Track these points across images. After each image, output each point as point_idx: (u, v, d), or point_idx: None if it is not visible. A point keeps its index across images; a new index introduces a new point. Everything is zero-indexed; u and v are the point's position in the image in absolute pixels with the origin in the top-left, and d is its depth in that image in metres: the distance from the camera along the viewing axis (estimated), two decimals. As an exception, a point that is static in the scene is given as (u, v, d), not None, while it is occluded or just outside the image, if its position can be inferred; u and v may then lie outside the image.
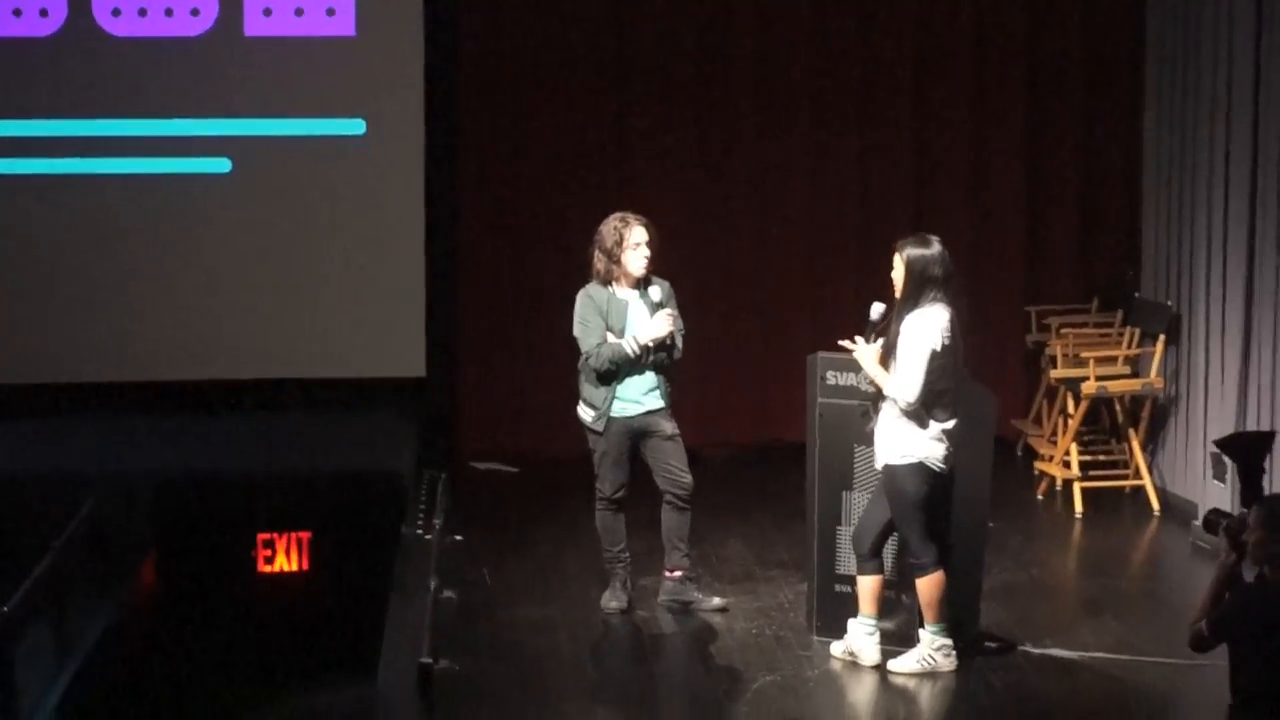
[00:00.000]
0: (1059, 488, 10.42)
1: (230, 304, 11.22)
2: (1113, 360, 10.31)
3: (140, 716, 8.96)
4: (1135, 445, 10.32)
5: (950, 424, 7.34)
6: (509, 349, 11.45)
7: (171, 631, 9.81)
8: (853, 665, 7.61)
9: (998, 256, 11.51)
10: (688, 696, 7.55)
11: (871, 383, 7.45)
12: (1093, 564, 9.47)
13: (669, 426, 8.21)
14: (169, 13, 11.12)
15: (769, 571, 9.00)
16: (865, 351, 7.43)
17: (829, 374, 7.88)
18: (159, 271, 11.20)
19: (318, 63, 11.21)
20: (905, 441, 7.32)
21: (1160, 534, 9.95)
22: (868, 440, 7.54)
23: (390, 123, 11.21)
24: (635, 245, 8.12)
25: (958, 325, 7.37)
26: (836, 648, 7.71)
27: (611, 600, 8.37)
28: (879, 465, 7.44)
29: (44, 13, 11.07)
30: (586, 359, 8.16)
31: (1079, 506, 10.09)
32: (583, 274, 8.28)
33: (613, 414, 8.15)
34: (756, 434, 11.52)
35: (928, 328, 7.28)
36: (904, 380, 7.27)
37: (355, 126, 11.26)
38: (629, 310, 8.15)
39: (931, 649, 7.47)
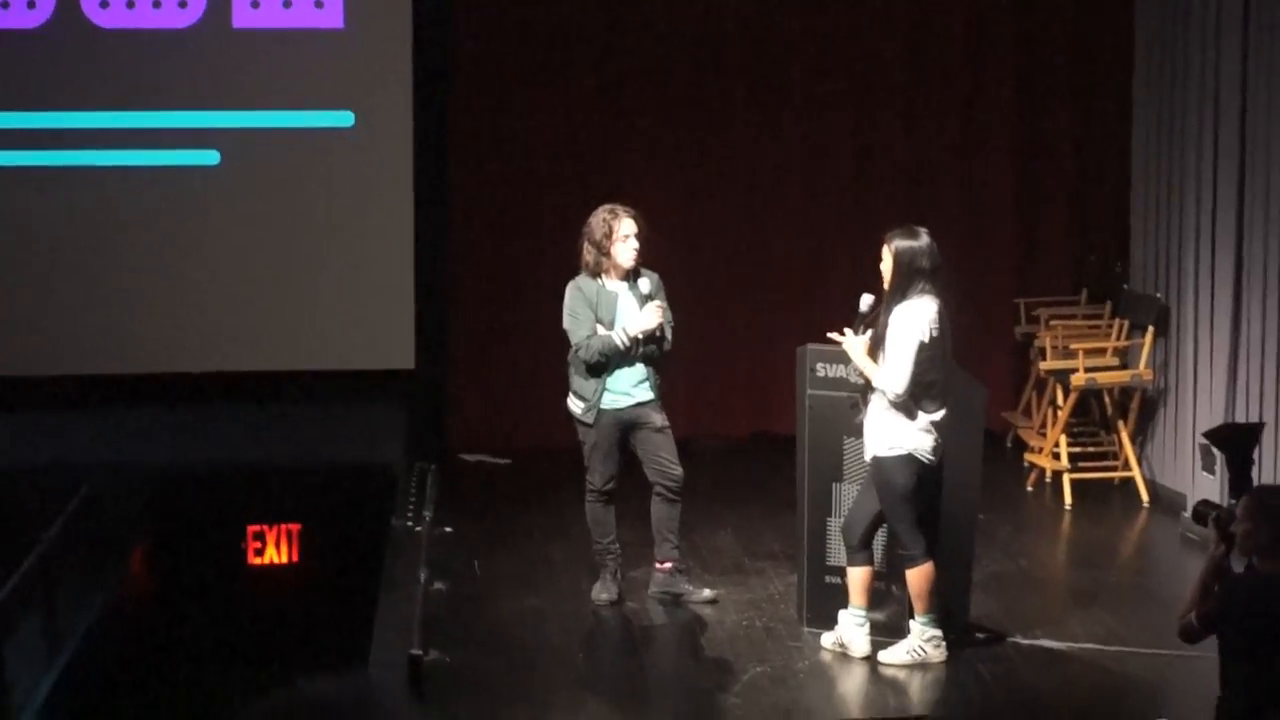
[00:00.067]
0: (1048, 479, 10.44)
1: (220, 296, 11.20)
2: (1102, 352, 10.32)
3: (130, 708, 8.96)
4: (1124, 437, 10.33)
5: (938, 415, 7.35)
6: (498, 341, 11.45)
7: (162, 624, 9.81)
8: (843, 656, 7.62)
9: (987, 249, 11.53)
10: (678, 688, 7.55)
11: (860, 374, 7.46)
12: (1082, 555, 9.49)
13: (659, 418, 8.21)
14: (156, 4, 11.10)
15: (759, 563, 9.00)
16: (854, 343, 7.44)
17: (819, 366, 7.89)
18: (148, 264, 11.18)
19: (306, 55, 11.20)
20: (894, 433, 7.33)
21: (1149, 525, 9.96)
22: (857, 432, 7.55)
23: (379, 115, 11.20)
24: (624, 237, 8.12)
25: (946, 317, 7.38)
26: (827, 639, 7.72)
27: (602, 592, 8.37)
28: (868, 457, 7.45)
29: (31, 4, 11.04)
30: (576, 351, 8.16)
31: (1068, 498, 10.11)
32: (572, 266, 8.27)
33: (602, 406, 8.15)
34: (746, 425, 11.53)
35: (916, 319, 7.29)
36: (892, 372, 7.27)
37: (344, 119, 11.24)
38: (618, 302, 8.15)
39: (921, 640, 7.48)
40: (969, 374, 8.04)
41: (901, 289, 7.33)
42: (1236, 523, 5.78)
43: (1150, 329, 10.21)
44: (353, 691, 7.60)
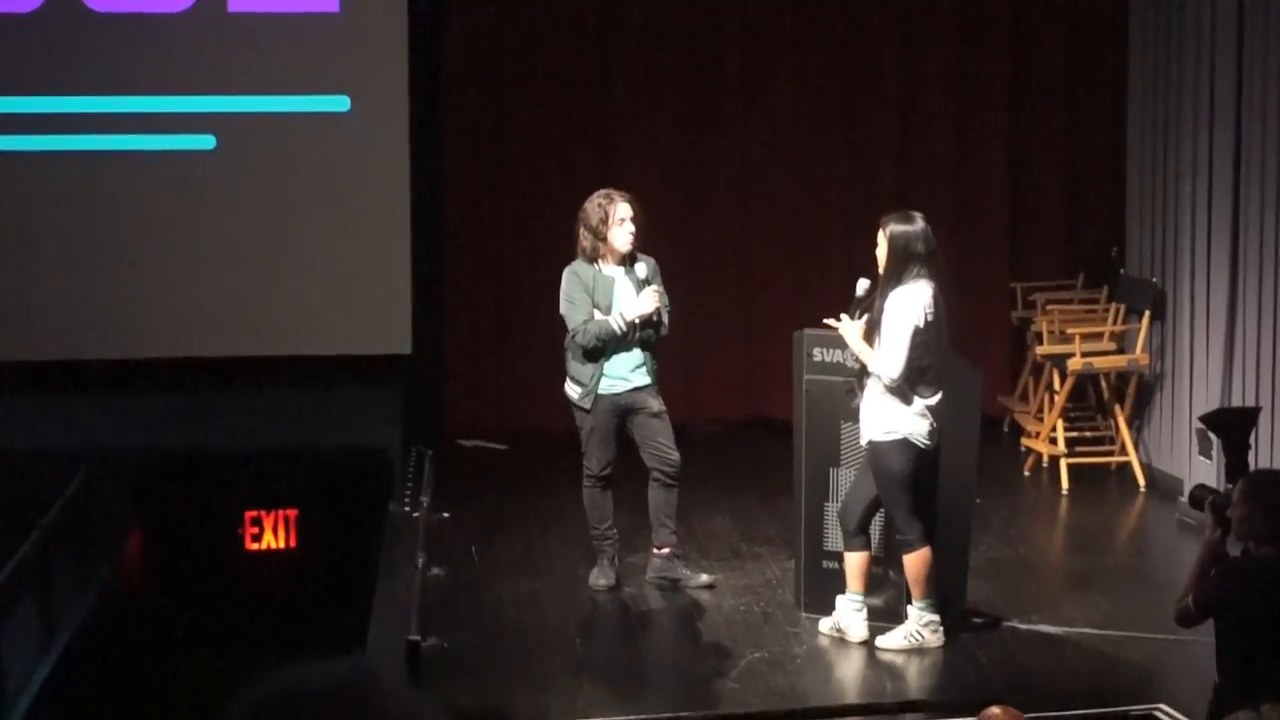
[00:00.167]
0: (1045, 464, 10.44)
1: (216, 281, 11.18)
2: (1098, 337, 10.32)
3: (127, 693, 8.96)
4: (1121, 421, 10.33)
5: (934, 400, 7.35)
6: (495, 326, 11.44)
7: (159, 609, 9.81)
8: (840, 641, 7.63)
9: (983, 233, 11.52)
10: (675, 673, 7.55)
11: (857, 359, 7.46)
12: (1079, 540, 9.49)
13: (656, 404, 8.21)
14: (151, -12, 11.08)
15: (756, 548, 9.00)
16: (850, 328, 7.43)
17: (816, 351, 7.88)
18: (144, 248, 11.16)
19: (302, 39, 11.17)
20: (890, 418, 7.32)
21: (1146, 510, 9.97)
22: (853, 417, 7.54)
23: (375, 99, 11.18)
24: (620, 221, 8.11)
25: (941, 301, 7.38)
26: (824, 624, 7.72)
27: (599, 577, 8.37)
28: (864, 442, 7.45)
29: (25, -12, 11.02)
30: (573, 336, 8.15)
31: (1065, 483, 10.11)
32: (569, 251, 8.27)
33: (600, 391, 8.15)
34: (743, 411, 11.53)
35: (911, 304, 7.28)
36: (888, 356, 7.27)
37: (340, 103, 11.22)
38: (615, 287, 8.14)
39: (919, 625, 7.49)
40: (965, 359, 8.05)
41: (897, 274, 7.32)
42: (1233, 507, 5.78)
43: (1147, 313, 10.21)
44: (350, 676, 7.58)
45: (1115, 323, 10.42)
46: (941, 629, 7.53)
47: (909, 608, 7.53)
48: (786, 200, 11.52)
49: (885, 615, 7.66)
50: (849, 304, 7.54)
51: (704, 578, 8.42)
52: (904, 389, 7.30)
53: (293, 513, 10.05)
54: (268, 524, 10.03)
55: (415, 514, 9.08)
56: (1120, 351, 10.35)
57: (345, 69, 11.17)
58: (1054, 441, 10.29)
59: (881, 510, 7.55)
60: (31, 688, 7.78)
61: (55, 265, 11.12)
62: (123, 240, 11.16)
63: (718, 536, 9.22)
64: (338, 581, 9.55)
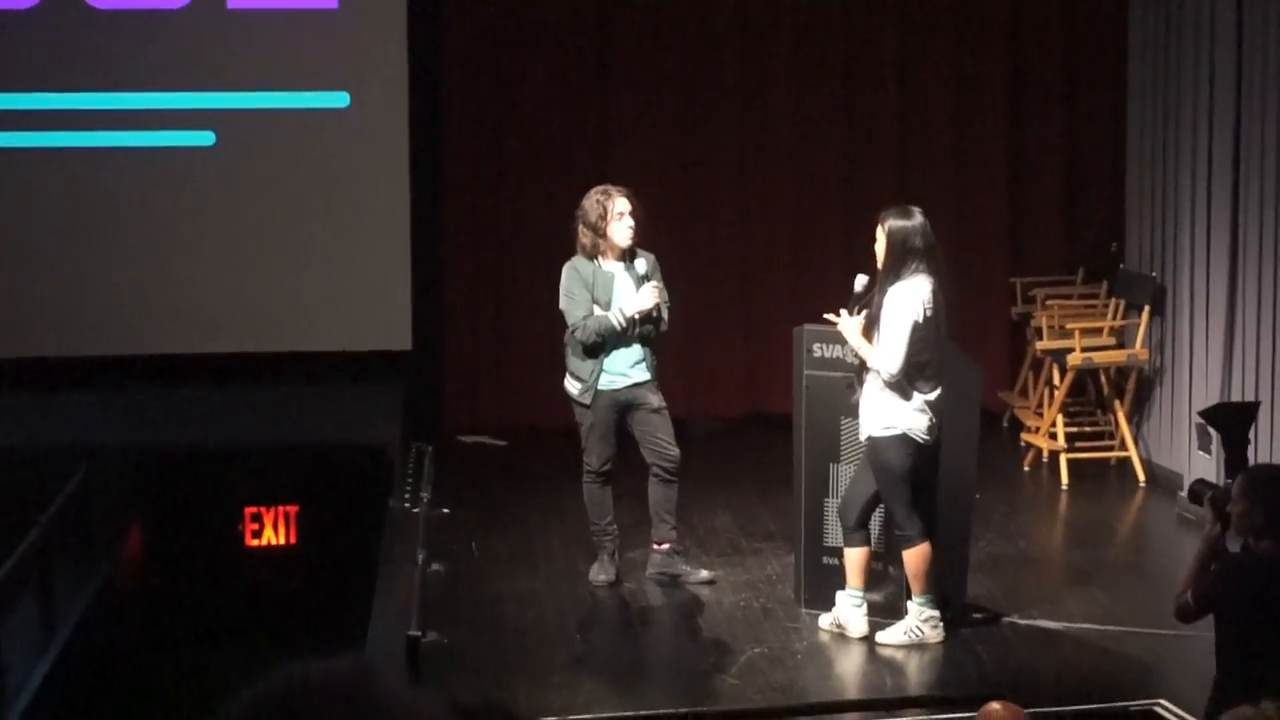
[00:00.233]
0: (1045, 459, 10.44)
1: (216, 277, 11.18)
2: (1098, 332, 10.32)
3: (128, 689, 8.96)
4: (1121, 417, 10.34)
5: (933, 395, 7.35)
6: (495, 322, 11.44)
7: (159, 605, 9.81)
8: (840, 637, 7.63)
9: (982, 228, 11.51)
10: (675, 669, 7.56)
11: (856, 355, 7.46)
12: (1079, 535, 9.49)
13: (655, 399, 8.21)
14: (151, -15, 11.07)
15: (756, 544, 9.00)
16: (849, 324, 7.43)
17: (816, 346, 7.88)
18: (143, 245, 11.16)
19: (301, 35, 11.16)
20: (888, 413, 7.32)
21: (1146, 505, 9.97)
22: (853, 412, 7.55)
23: (374, 96, 11.17)
24: (619, 215, 8.10)
25: (940, 296, 7.38)
26: (824, 620, 7.73)
27: (599, 573, 8.37)
28: (863, 437, 7.45)
29: (25, -15, 11.02)
30: (573, 332, 8.15)
31: (1065, 478, 10.11)
32: (568, 247, 8.26)
33: (599, 387, 8.15)
34: (743, 406, 11.53)
35: (909, 299, 7.28)
36: (886, 352, 7.27)
37: (339, 99, 11.22)
38: (615, 283, 8.14)
39: (919, 620, 7.49)
40: (965, 354, 8.05)
41: (895, 269, 7.33)
42: (1232, 502, 5.78)
43: (1146, 309, 10.21)
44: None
45: (1115, 318, 10.43)
46: (941, 624, 7.53)
47: (909, 603, 7.53)
48: (786, 196, 11.52)
49: (885, 611, 7.67)
50: (847, 299, 7.54)
51: (704, 573, 8.42)
52: (903, 384, 7.30)
53: (293, 509, 10.05)
54: (268, 520, 10.03)
55: (415, 510, 9.08)
56: (1120, 347, 10.35)
57: (345, 65, 11.17)
58: (1054, 437, 10.29)
59: (881, 506, 7.55)
60: (31, 684, 7.78)
61: (55, 262, 11.12)
62: (122, 237, 11.16)
63: (718, 532, 9.22)
64: (338, 577, 9.56)
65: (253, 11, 11.11)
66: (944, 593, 7.63)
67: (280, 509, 10.02)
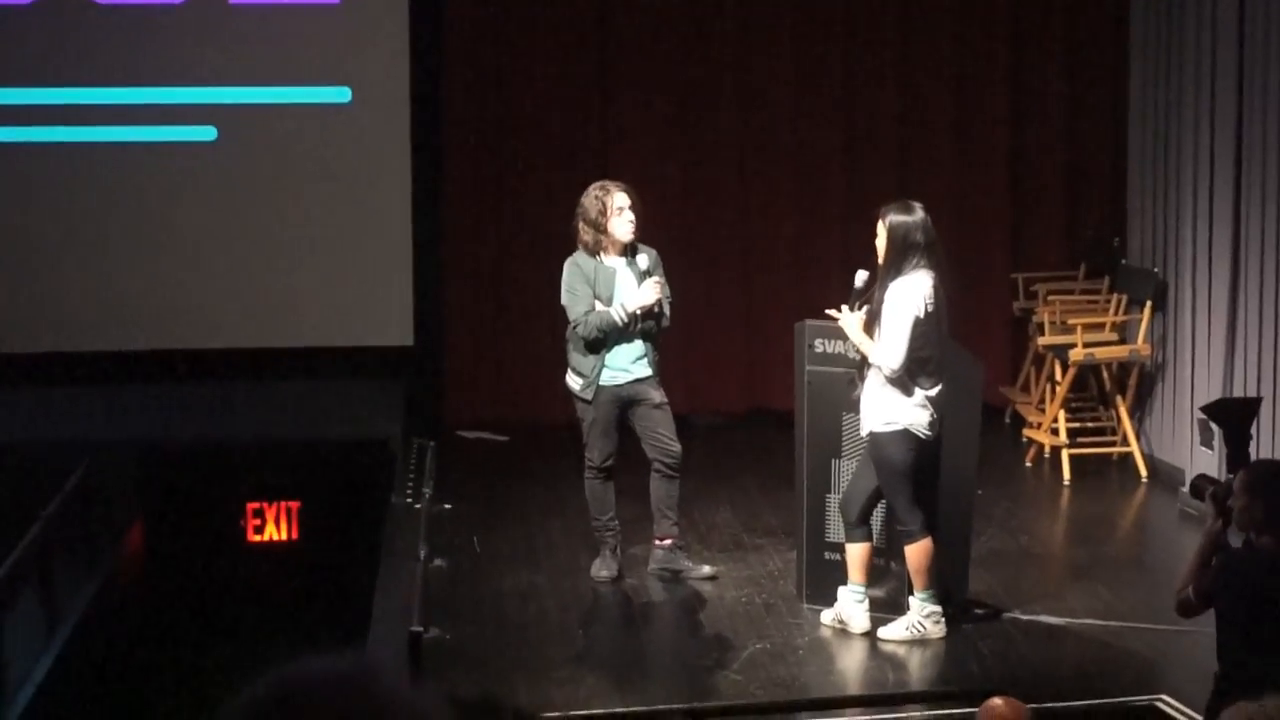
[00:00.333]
0: (1047, 455, 10.43)
1: (217, 273, 11.19)
2: (1100, 327, 10.32)
3: (128, 685, 8.96)
4: (1123, 412, 10.33)
5: (934, 390, 7.35)
6: (497, 317, 11.44)
7: (161, 601, 9.82)
8: (842, 633, 7.63)
9: (984, 223, 11.50)
10: (678, 664, 7.56)
11: (858, 350, 7.46)
12: (1081, 530, 9.49)
13: (657, 395, 8.20)
14: (152, -21, 11.08)
15: (758, 539, 9.00)
16: (850, 319, 7.43)
17: (817, 342, 7.88)
18: (145, 240, 11.17)
19: (302, 30, 11.17)
20: (890, 409, 7.32)
21: (1147, 500, 9.97)
22: (854, 408, 7.54)
23: (375, 91, 11.17)
24: (619, 210, 8.09)
25: (942, 292, 7.37)
26: (826, 615, 7.72)
27: (601, 569, 8.37)
28: (864, 433, 7.45)
29: (27, -21, 11.01)
30: (574, 327, 8.15)
31: (1067, 473, 10.10)
32: (570, 242, 8.26)
33: (601, 382, 8.14)
34: (745, 402, 11.52)
35: (911, 295, 7.28)
36: (888, 347, 7.27)
37: (340, 94, 11.22)
38: (616, 278, 8.14)
39: (921, 616, 7.49)
40: (966, 349, 8.04)
41: (896, 264, 7.32)
42: (1234, 497, 5.78)
43: (1148, 304, 10.21)
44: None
45: (1117, 313, 10.42)
46: (943, 620, 7.53)
47: (910, 599, 7.53)
48: (787, 192, 11.51)
49: (887, 606, 7.67)
50: (849, 295, 7.53)
51: (706, 569, 8.42)
52: (904, 380, 7.29)
53: (295, 504, 10.06)
54: (270, 516, 10.04)
55: (417, 505, 9.09)
56: (1122, 342, 10.35)
57: (346, 60, 11.17)
58: (1055, 432, 10.29)
59: (883, 501, 7.55)
60: (34, 678, 7.79)
61: (56, 257, 11.12)
62: (124, 233, 11.16)
63: (719, 528, 9.22)
64: (339, 573, 9.57)
65: (254, 6, 11.11)
66: (946, 588, 7.63)
67: (282, 505, 10.03)
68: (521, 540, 9.08)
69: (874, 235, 7.43)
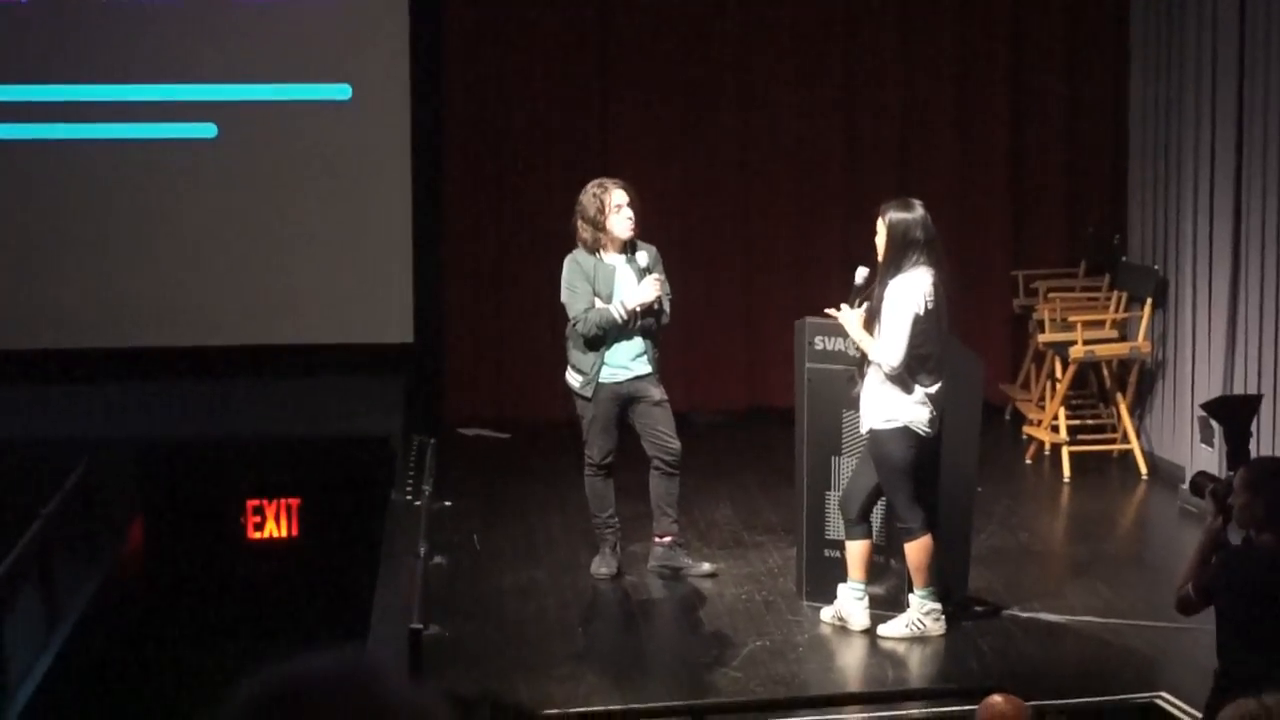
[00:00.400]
0: (1047, 452, 10.43)
1: (217, 270, 11.19)
2: (1100, 324, 10.32)
3: (128, 683, 8.96)
4: (1123, 409, 10.33)
5: (935, 388, 7.35)
6: (497, 314, 11.44)
7: (162, 599, 9.82)
8: (842, 630, 7.63)
9: (985, 221, 11.50)
10: (677, 662, 7.55)
11: (857, 348, 7.45)
12: (1081, 528, 9.49)
13: (657, 392, 8.20)
14: (153, -23, 11.07)
15: (758, 537, 9.00)
16: (850, 316, 7.43)
17: (817, 339, 7.88)
18: (145, 238, 11.17)
19: (303, 28, 11.16)
20: (890, 406, 7.32)
21: (1148, 498, 9.97)
22: (854, 405, 7.54)
23: (376, 88, 11.17)
24: (617, 207, 8.09)
25: (941, 289, 7.37)
26: (826, 613, 7.72)
27: (601, 566, 8.37)
28: (864, 430, 7.45)
29: (27, -23, 11.01)
30: (574, 325, 8.15)
31: (1067, 470, 10.10)
32: (570, 239, 8.26)
33: (601, 380, 8.15)
34: (744, 399, 11.52)
35: (910, 292, 7.27)
36: (888, 345, 7.26)
37: (341, 92, 11.22)
38: (616, 275, 8.14)
39: (920, 613, 7.49)
40: (966, 347, 8.04)
41: (896, 261, 7.32)
42: (1234, 495, 5.78)
43: (1149, 301, 10.21)
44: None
45: (1117, 310, 10.42)
46: (943, 617, 7.53)
47: (910, 596, 7.53)
48: (787, 190, 11.51)
49: (887, 603, 7.67)
50: (848, 292, 7.53)
51: (705, 566, 8.42)
52: (904, 377, 7.29)
53: (295, 501, 10.06)
54: (269, 513, 10.03)
55: (417, 503, 9.08)
56: (1122, 339, 10.34)
57: (347, 57, 11.17)
58: (1056, 429, 10.29)
59: (883, 499, 7.55)
60: (34, 676, 7.79)
61: (56, 254, 11.12)
62: (123, 230, 11.16)
63: (719, 525, 9.22)
64: (339, 570, 9.56)
65: (255, 3, 11.10)
66: (945, 585, 7.63)
67: (282, 502, 10.03)
68: (521, 537, 9.08)
69: (874, 233, 7.43)
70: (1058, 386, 10.33)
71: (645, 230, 8.25)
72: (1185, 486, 9.19)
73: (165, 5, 11.06)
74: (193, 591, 9.79)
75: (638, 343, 8.16)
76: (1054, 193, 11.56)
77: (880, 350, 7.28)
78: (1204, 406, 7.57)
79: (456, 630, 7.69)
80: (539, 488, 9.89)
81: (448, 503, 9.49)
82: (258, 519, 10.02)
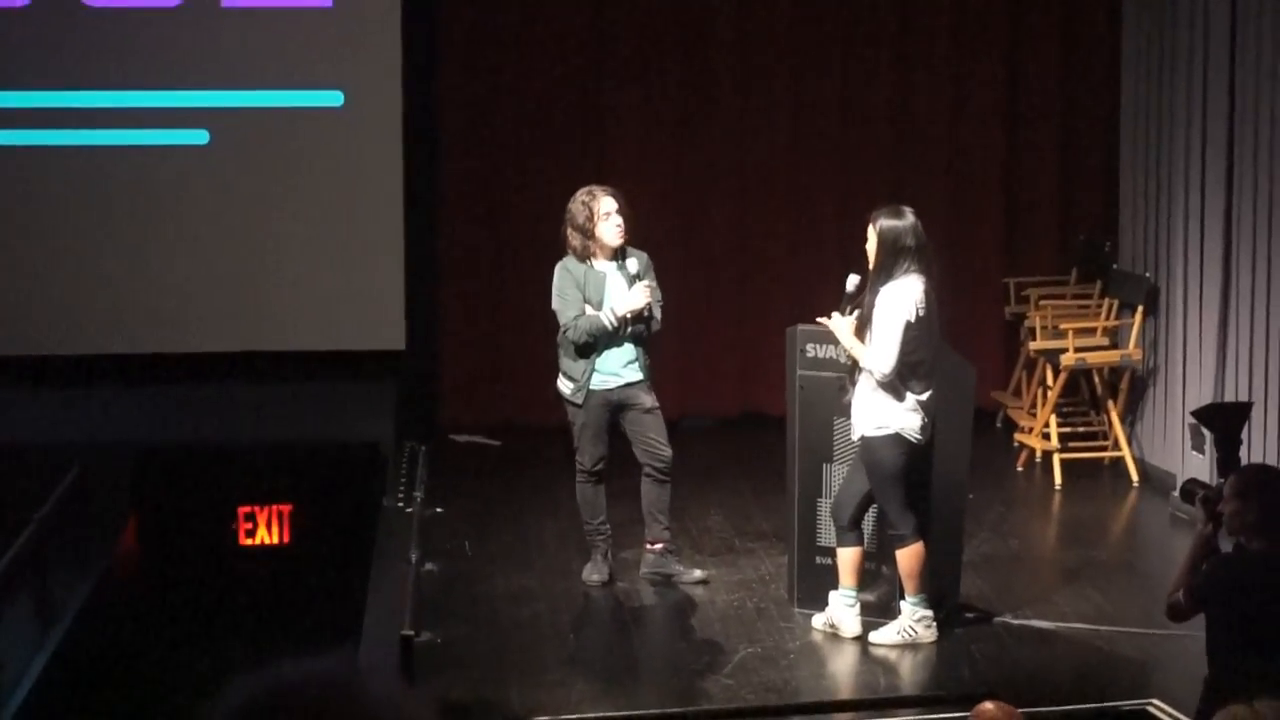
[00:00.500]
0: (1038, 459, 10.44)
1: (210, 276, 11.18)
2: (1092, 332, 10.34)
3: (122, 687, 8.96)
4: (1114, 416, 10.35)
5: (926, 395, 7.36)
6: (488, 321, 11.44)
7: (153, 604, 9.81)
8: (834, 637, 7.63)
9: (976, 228, 11.52)
10: (669, 668, 7.56)
11: (848, 355, 7.46)
12: (1072, 535, 9.51)
13: (648, 399, 8.21)
14: (145, -17, 11.07)
15: (749, 544, 9.01)
16: (841, 324, 7.44)
17: (809, 346, 7.89)
18: (136, 244, 11.16)
19: (295, 34, 11.16)
20: (881, 413, 7.33)
21: (1139, 505, 9.98)
22: (845, 412, 7.55)
23: (368, 94, 11.17)
24: (606, 215, 8.10)
25: (933, 296, 7.38)
26: (817, 620, 7.73)
27: (593, 573, 8.38)
28: (856, 437, 7.46)
29: (19, -17, 11.00)
30: (564, 332, 8.16)
31: (1058, 478, 10.12)
32: (561, 246, 8.27)
33: (592, 386, 8.15)
34: (736, 406, 11.53)
35: (902, 299, 7.29)
36: (879, 352, 7.28)
37: (333, 98, 11.21)
38: (606, 282, 8.15)
39: (912, 620, 7.49)
40: (958, 353, 8.05)
41: (887, 269, 7.33)
42: (1224, 501, 5.80)
43: (1140, 309, 10.22)
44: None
45: (1108, 318, 10.44)
46: (934, 624, 7.54)
47: (902, 603, 7.54)
48: (781, 197, 11.52)
49: (878, 610, 7.67)
50: (840, 300, 7.54)
51: (697, 573, 8.43)
52: (895, 384, 7.30)
53: (286, 508, 10.05)
54: (261, 519, 10.03)
55: (409, 509, 9.09)
56: (1113, 347, 10.36)
57: (339, 64, 11.16)
58: (1047, 437, 10.30)
59: (874, 505, 7.56)
60: (27, 681, 7.78)
61: (48, 260, 11.11)
62: (115, 236, 11.15)
63: (711, 532, 9.23)
64: (331, 576, 9.56)
65: (247, 9, 11.10)
66: (937, 592, 7.64)
67: (274, 508, 10.02)
68: (513, 544, 9.09)
69: (865, 239, 7.44)
70: (1049, 394, 10.34)
71: (640, 235, 8.26)
72: (1176, 493, 9.20)
73: (157, 11, 11.05)
74: (184, 596, 9.79)
75: (628, 350, 8.17)
76: (1045, 200, 11.58)
77: (871, 357, 7.29)
78: (1195, 414, 7.59)
79: (448, 636, 7.70)
80: (530, 494, 9.89)
81: (439, 509, 9.49)
82: (249, 525, 10.01)
